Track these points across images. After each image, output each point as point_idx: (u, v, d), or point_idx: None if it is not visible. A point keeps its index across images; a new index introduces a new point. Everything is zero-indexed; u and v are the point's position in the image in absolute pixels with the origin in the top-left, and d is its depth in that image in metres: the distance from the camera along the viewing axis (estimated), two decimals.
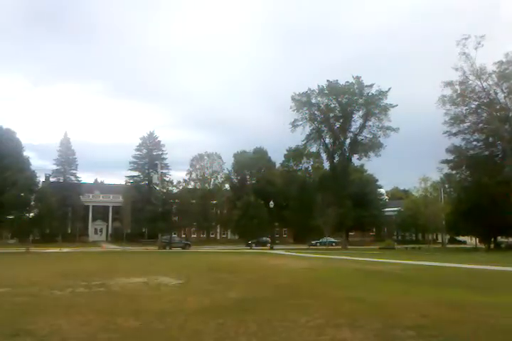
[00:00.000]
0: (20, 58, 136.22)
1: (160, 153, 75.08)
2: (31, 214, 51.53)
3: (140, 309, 9.43)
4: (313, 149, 63.82)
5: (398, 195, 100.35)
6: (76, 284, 13.93)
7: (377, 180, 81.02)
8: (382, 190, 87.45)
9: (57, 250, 44.67)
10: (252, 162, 77.15)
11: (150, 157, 73.70)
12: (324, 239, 60.58)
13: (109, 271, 19.85)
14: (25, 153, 64.96)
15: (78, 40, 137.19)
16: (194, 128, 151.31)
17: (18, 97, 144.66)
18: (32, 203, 51.65)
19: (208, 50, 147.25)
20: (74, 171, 70.39)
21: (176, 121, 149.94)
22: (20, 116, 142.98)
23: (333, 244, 60.57)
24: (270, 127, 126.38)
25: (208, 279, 16.09)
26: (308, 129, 59.00)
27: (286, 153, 79.95)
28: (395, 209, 77.87)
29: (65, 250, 45.11)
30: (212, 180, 79.70)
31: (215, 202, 76.37)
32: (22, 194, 50.68)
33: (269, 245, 51.05)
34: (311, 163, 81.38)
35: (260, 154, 79.23)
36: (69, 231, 69.44)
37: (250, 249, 50.38)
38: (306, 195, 68.68)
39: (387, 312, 9.14)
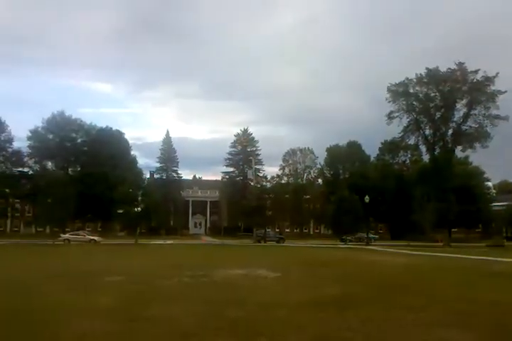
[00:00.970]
0: (125, 65, 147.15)
1: (254, 149, 76.78)
2: (138, 209, 55.64)
3: (243, 300, 9.76)
4: (411, 141, 60.67)
5: (508, 188, 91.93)
6: (182, 274, 14.79)
7: (483, 173, 75.03)
8: (490, 184, 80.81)
9: (161, 242, 47.87)
10: (346, 156, 75.80)
11: (244, 153, 75.68)
12: (361, 235, 56.73)
13: (211, 262, 20.78)
14: (132, 153, 70.83)
15: (175, 45, 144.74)
16: (286, 124, 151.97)
17: (124, 101, 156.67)
18: (139, 198, 55.77)
19: (294, 43, 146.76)
20: (175, 168, 74.84)
21: (268, 117, 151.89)
22: (126, 119, 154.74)
23: (373, 239, 55.92)
24: (364, 120, 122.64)
25: (305, 273, 16.16)
26: (405, 121, 56.17)
27: (381, 146, 77.31)
28: (504, 203, 71.54)
29: (169, 242, 48.19)
30: (305, 174, 79.69)
31: (308, 196, 76.28)
32: (130, 190, 54.94)
33: (365, 240, 49.79)
34: (409, 155, 77.83)
35: (354, 148, 77.50)
36: (171, 224, 73.98)
37: (345, 244, 49.58)
38: (403, 189, 65.74)
39: (501, 311, 8.47)
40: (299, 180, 78.43)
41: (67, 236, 46.57)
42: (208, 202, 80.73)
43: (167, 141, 74.38)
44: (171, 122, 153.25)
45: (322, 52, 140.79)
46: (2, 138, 63.16)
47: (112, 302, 9.38)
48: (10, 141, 63.74)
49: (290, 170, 79.11)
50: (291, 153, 78.81)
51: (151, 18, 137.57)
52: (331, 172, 78.52)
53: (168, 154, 73.82)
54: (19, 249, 34.12)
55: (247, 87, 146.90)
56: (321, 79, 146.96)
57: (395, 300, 9.98)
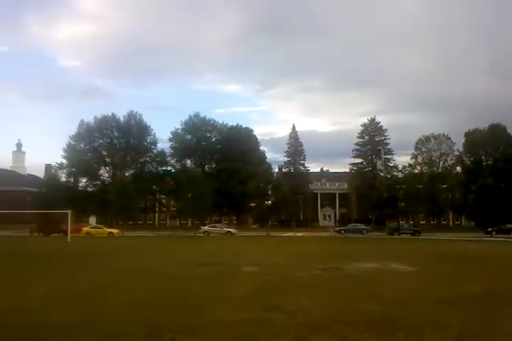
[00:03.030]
0: (251, 65, 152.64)
1: (382, 138, 73.85)
2: (269, 202, 57.55)
3: (377, 294, 9.52)
4: None
5: None
6: (313, 266, 14.95)
7: None
8: None
9: (291, 234, 48.90)
10: (488, 140, 68.50)
11: (372, 143, 73.22)
12: (352, 226, 55.63)
13: (342, 255, 20.61)
14: (261, 148, 73.62)
15: (296, 41, 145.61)
16: (415, 111, 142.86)
17: (252, 99, 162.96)
18: (269, 192, 57.65)
19: (420, 28, 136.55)
20: (302, 161, 75.64)
21: (395, 105, 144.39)
22: (254, 116, 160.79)
23: (364, 231, 53.08)
24: (503, 100, 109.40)
25: (444, 268, 15.11)
26: None
27: None
28: None
29: (299, 234, 49.00)
30: (441, 162, 74.17)
31: (445, 186, 70.89)
32: (261, 184, 57.11)
33: None
34: None
35: (497, 131, 69.63)
36: (301, 217, 75.04)
37: (490, 237, 45.03)
38: None
39: None
40: (434, 168, 73.28)
41: (206, 228, 50.22)
42: (337, 194, 79.99)
43: (293, 135, 75.46)
44: (297, 117, 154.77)
45: (450, 37, 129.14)
46: (148, 141, 70.68)
47: (247, 292, 9.88)
48: (155, 143, 71.31)
49: (423, 159, 74.32)
50: (424, 141, 73.94)
51: (272, 17, 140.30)
52: (471, 159, 71.81)
53: (295, 148, 74.83)
54: (166, 241, 37.82)
55: (371, 77, 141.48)
56: (451, 61, 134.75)
57: None
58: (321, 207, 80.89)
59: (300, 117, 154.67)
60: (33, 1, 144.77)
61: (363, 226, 55.22)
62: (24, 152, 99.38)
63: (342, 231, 52.78)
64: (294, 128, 76.09)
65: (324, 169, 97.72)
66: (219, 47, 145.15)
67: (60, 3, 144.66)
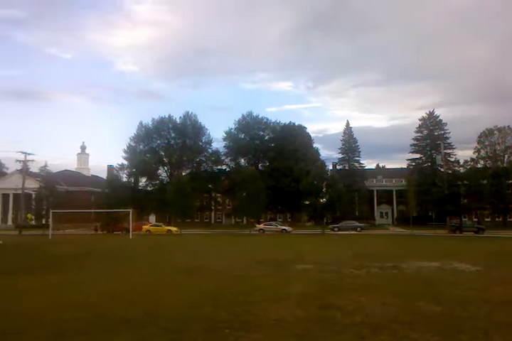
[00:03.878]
0: (302, 62, 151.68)
1: (442, 132, 70.77)
2: (324, 200, 56.99)
3: (439, 294, 9.22)
4: None
5: None
6: (370, 265, 14.69)
7: None
8: None
9: (347, 232, 48.15)
10: None
11: (431, 138, 70.39)
12: (345, 223, 53.26)
13: (400, 253, 20.08)
14: (314, 145, 73.04)
15: (347, 35, 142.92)
16: (476, 103, 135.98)
17: (304, 97, 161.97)
18: (323, 190, 57.10)
19: (480, 16, 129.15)
20: (357, 158, 74.14)
21: (455, 98, 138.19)
22: (307, 113, 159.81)
23: (358, 228, 50.90)
24: None
25: (509, 267, 14.34)
26: None
27: None
28: None
29: (354, 232, 48.17)
30: (506, 156, 70.09)
31: (511, 181, 66.92)
32: (315, 182, 56.62)
33: None
34: None
35: None
36: (357, 214, 73.66)
37: None
38: None
39: None
40: (499, 162, 69.39)
41: (261, 226, 50.61)
42: (394, 191, 77.74)
43: (347, 131, 74.16)
44: (351, 112, 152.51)
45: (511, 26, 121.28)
46: (203, 141, 72.25)
47: (303, 290, 9.90)
48: (209, 142, 72.77)
49: (487, 153, 70.58)
50: (487, 134, 70.19)
51: (322, 12, 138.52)
52: None
53: (349, 144, 73.52)
54: (222, 239, 38.48)
55: (429, 69, 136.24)
56: None
57: None
58: (378, 205, 78.94)
59: (354, 113, 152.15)
60: (92, 10, 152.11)
61: (357, 224, 53.84)
62: (88, 154, 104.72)
63: (336, 229, 51.98)
64: (348, 124, 74.81)
65: (380, 165, 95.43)
66: (270, 46, 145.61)
67: (117, 10, 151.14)
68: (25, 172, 55.76)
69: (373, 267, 14.18)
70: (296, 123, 73.36)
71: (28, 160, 55.25)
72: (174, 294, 9.56)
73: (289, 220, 70.97)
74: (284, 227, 49.33)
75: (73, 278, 12.29)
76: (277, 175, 64.43)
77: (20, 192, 56.10)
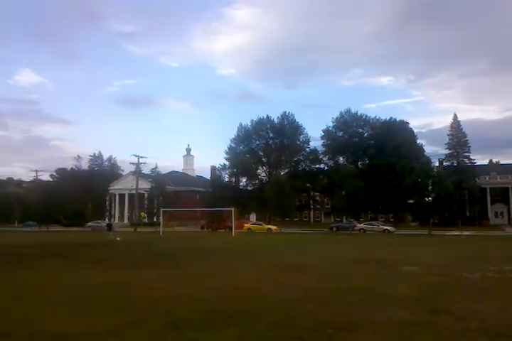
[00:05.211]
0: (401, 56, 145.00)
1: None
2: (430, 199, 53.97)
3: None
4: None
5: None
6: (484, 268, 13.63)
7: None
8: None
9: (457, 233, 45.02)
10: None
11: None
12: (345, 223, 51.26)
13: None
14: (418, 141, 69.31)
15: (450, 25, 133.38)
16: None
17: (405, 91, 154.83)
18: (429, 188, 54.11)
19: None
20: (466, 154, 68.90)
21: None
22: (408, 108, 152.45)
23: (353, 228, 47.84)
24: None
25: None
26: None
27: None
28: None
29: (465, 233, 44.85)
30: None
31: None
32: (419, 180, 53.91)
33: None
34: None
35: None
36: (468, 214, 68.57)
37: None
38: None
39: None
40: None
41: (362, 226, 49.41)
42: (510, 189, 71.01)
43: (455, 125, 69.25)
44: (458, 105, 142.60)
45: None
46: (301, 140, 72.50)
47: (409, 292, 9.50)
48: (307, 141, 72.89)
49: None
50: None
51: (420, 3, 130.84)
52: None
53: (458, 139, 68.56)
54: (322, 237, 38.26)
55: None
56: None
57: None
58: (491, 204, 72.58)
59: (462, 105, 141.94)
60: (196, 20, 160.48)
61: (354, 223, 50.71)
62: (193, 156, 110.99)
63: (334, 228, 49.55)
64: (455, 117, 69.84)
65: (494, 161, 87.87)
66: (365, 41, 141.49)
67: (219, 18, 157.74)
68: (138, 174, 60.64)
69: (488, 270, 13.15)
70: (398, 119, 70.34)
71: (141, 163, 60.05)
72: (278, 290, 9.77)
73: (392, 220, 68.27)
74: (386, 227, 47.64)
75: (184, 272, 13.13)
76: (378, 173, 62.33)
77: (134, 192, 61.16)
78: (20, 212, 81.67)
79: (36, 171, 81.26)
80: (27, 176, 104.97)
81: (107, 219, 71.83)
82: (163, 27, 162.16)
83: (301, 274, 12.58)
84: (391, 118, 70.30)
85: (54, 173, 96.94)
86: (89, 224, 61.40)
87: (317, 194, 75.32)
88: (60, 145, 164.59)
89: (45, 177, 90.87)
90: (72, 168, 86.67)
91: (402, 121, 70.24)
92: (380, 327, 6.53)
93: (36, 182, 79.85)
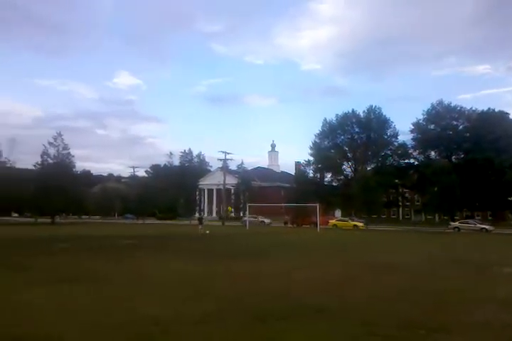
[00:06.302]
0: (499, 42, 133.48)
1: None
2: None
3: None
4: None
5: None
6: None
7: None
8: None
9: None
10: None
11: None
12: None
13: None
14: None
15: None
16: None
17: (505, 79, 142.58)
18: None
19: None
20: None
21: None
22: (509, 98, 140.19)
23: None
24: None
25: None
26: None
27: None
28: None
29: None
30: None
31: None
32: None
33: None
34: None
35: None
36: None
37: None
38: None
39: None
40: None
41: (456, 224, 46.63)
42: None
43: None
44: None
45: None
46: (388, 134, 69.87)
47: (511, 295, 8.93)
48: (395, 135, 70.00)
49: None
50: None
51: None
52: None
53: None
54: (412, 236, 36.77)
55: None
56: None
57: None
58: None
59: None
60: (280, 17, 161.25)
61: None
62: (277, 151, 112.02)
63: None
64: None
65: None
66: (457, 27, 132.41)
67: (302, 13, 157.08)
68: (225, 169, 62.67)
69: None
70: (497, 110, 65.01)
71: (228, 159, 61.98)
72: (366, 287, 9.65)
73: (490, 218, 63.48)
74: (483, 226, 44.47)
75: (271, 265, 13.40)
76: (474, 168, 58.18)
77: (221, 187, 63.32)
78: (120, 206, 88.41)
79: (133, 167, 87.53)
80: (125, 172, 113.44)
81: (197, 214, 75.22)
82: (247, 25, 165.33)
83: (388, 272, 12.25)
84: (489, 108, 65.18)
85: (149, 169, 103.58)
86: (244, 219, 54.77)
87: (406, 190, 72.23)
88: (154, 143, 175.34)
89: (141, 173, 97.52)
90: (165, 164, 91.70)
91: (502, 111, 64.82)
92: (479, 329, 6.22)
93: (133, 178, 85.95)
